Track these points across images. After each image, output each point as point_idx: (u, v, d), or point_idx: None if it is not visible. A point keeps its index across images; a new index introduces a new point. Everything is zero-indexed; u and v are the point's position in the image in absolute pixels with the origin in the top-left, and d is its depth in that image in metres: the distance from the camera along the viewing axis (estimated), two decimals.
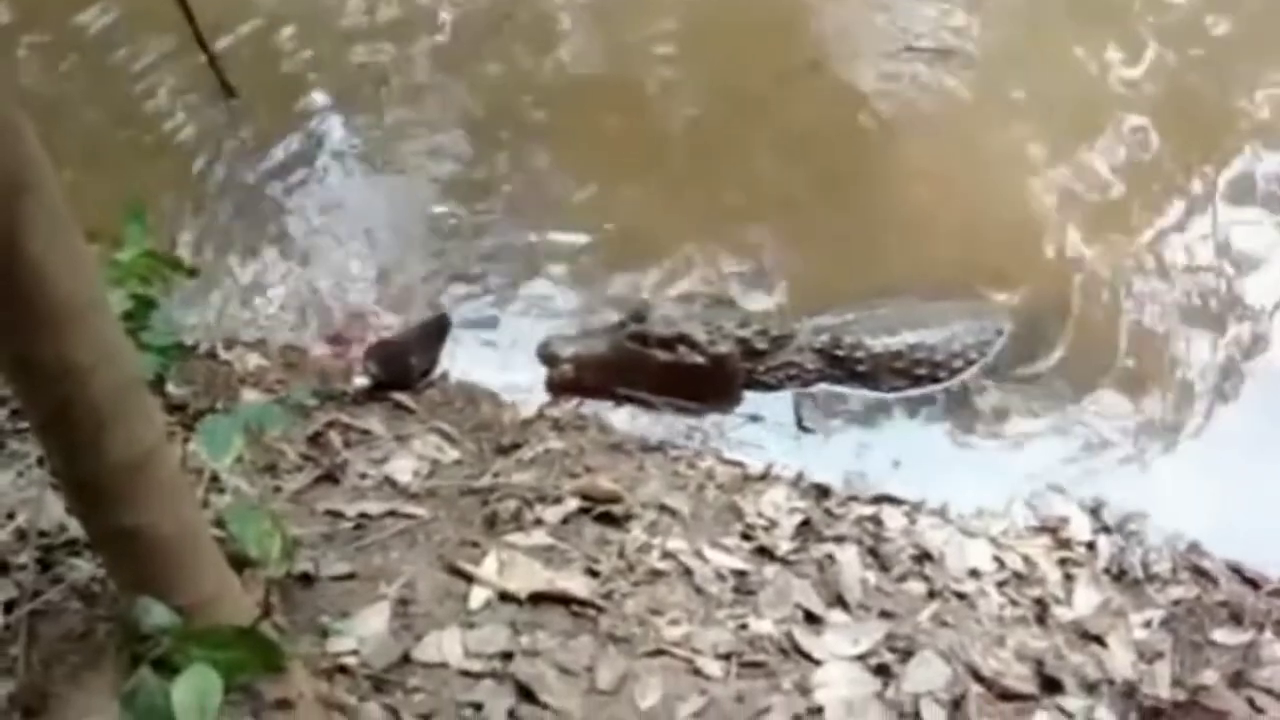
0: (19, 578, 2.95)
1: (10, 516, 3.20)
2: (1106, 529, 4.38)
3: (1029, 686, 3.48)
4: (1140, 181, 6.25)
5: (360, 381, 4.64)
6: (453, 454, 4.19)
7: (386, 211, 5.94)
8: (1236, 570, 4.20)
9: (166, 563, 2.56)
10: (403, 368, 4.78)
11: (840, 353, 5.04)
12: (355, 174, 6.13)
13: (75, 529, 3.13)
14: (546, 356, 4.92)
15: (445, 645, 3.18)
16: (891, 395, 5.05)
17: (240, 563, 2.85)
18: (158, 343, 2.89)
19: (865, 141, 6.43)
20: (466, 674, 3.12)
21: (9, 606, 2.88)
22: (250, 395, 4.34)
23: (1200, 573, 4.18)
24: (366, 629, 3.17)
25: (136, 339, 2.76)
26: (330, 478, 3.87)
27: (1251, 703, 3.54)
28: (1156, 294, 5.61)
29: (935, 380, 5.05)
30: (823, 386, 5.05)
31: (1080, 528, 4.38)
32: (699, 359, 4.88)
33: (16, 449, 3.55)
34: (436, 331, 5.06)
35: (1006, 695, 3.43)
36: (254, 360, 4.72)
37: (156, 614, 2.52)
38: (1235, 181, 6.23)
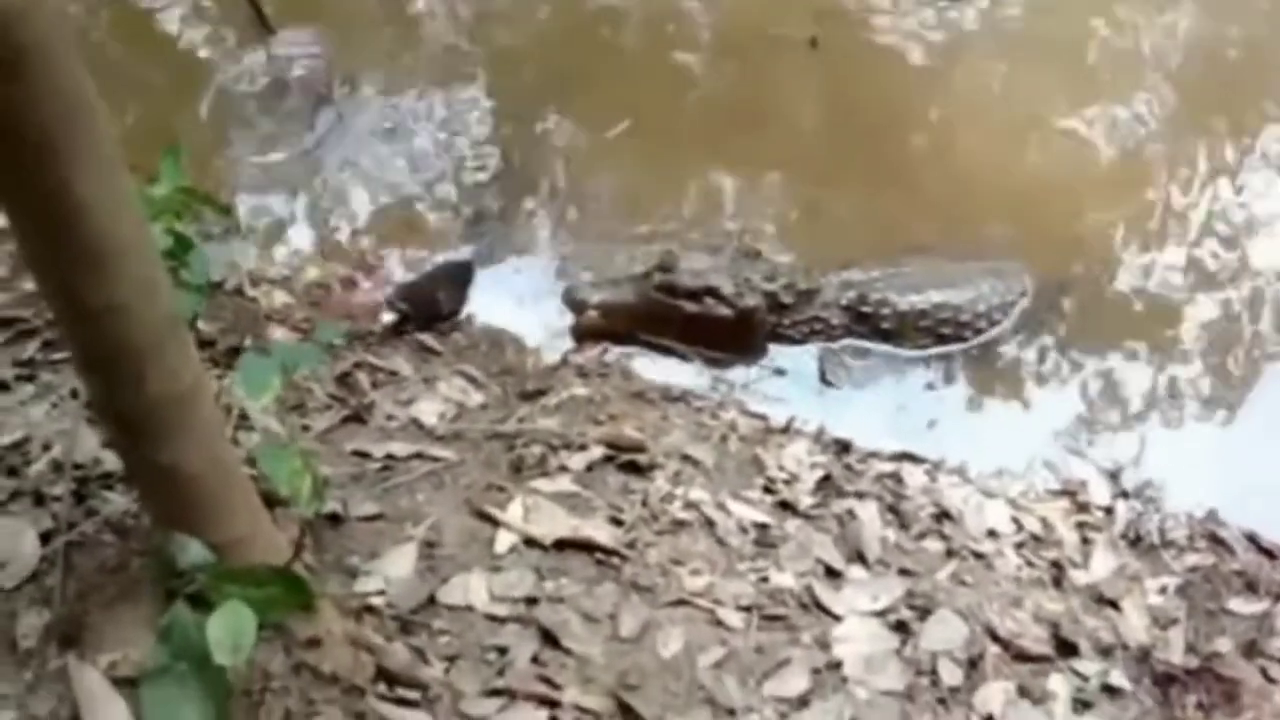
0: (55, 509, 2.98)
1: (46, 448, 3.22)
2: (1125, 494, 4.42)
3: (1045, 648, 3.51)
4: (1176, 140, 6.24)
5: (387, 318, 4.68)
6: (478, 397, 4.22)
7: (417, 154, 5.94)
8: (1253, 540, 4.23)
9: (202, 500, 2.60)
10: (430, 305, 4.81)
11: (866, 309, 5.05)
12: (388, 116, 6.12)
13: (110, 462, 3.16)
14: (573, 303, 4.95)
15: (471, 588, 3.21)
16: (916, 353, 5.06)
17: (271, 501, 2.88)
18: (195, 282, 2.92)
19: (896, 95, 6.41)
20: (491, 618, 3.15)
21: (45, 538, 2.91)
22: (277, 332, 4.36)
23: (1217, 541, 4.21)
24: (393, 570, 3.20)
25: (175, 277, 2.77)
26: (357, 418, 3.89)
27: (1264, 672, 3.58)
28: (1182, 258, 5.61)
29: (960, 339, 5.07)
30: (848, 342, 5.06)
31: (1099, 492, 4.43)
32: (725, 311, 4.90)
33: (50, 380, 3.57)
34: (462, 272, 5.09)
35: (1022, 656, 3.46)
36: (280, 297, 4.73)
37: (192, 550, 2.57)
38: (1268, 145, 6.21)
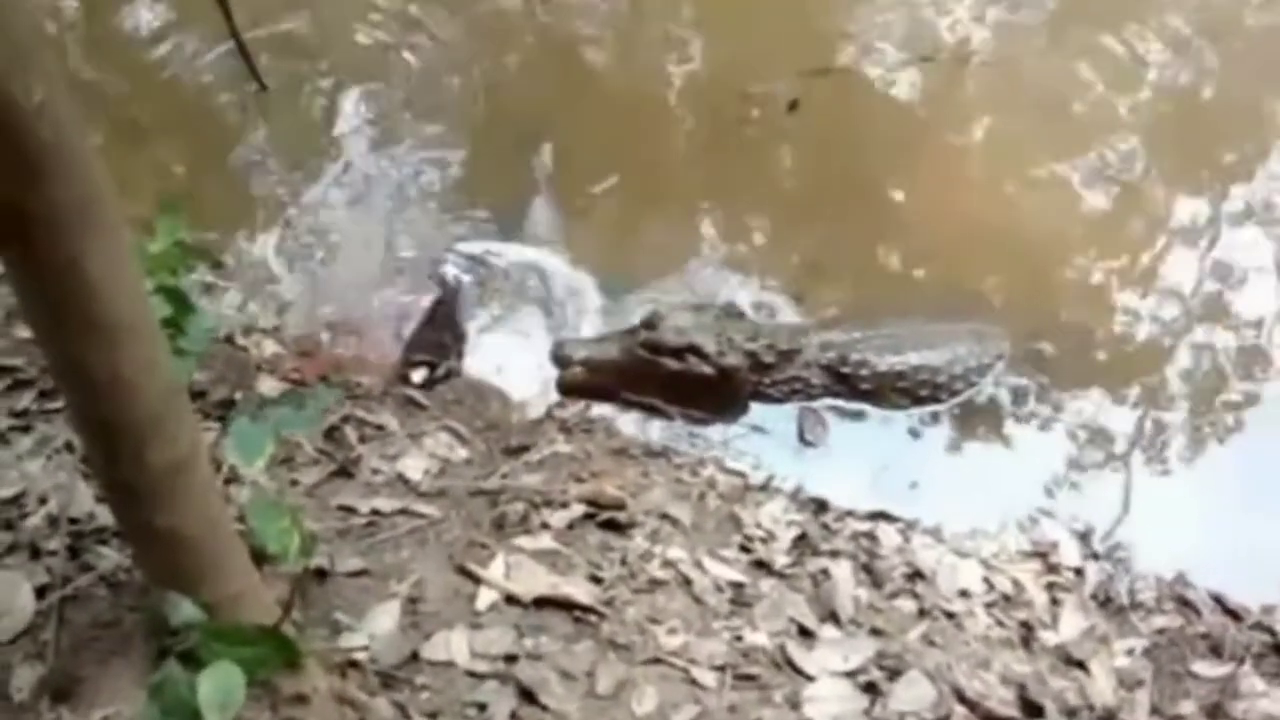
0: (50, 563, 3.09)
1: (42, 502, 3.33)
2: (1095, 555, 4.50)
3: (1011, 710, 3.59)
4: (1158, 194, 6.34)
5: (418, 378, 4.81)
6: (463, 453, 4.31)
7: (405, 207, 6.04)
8: (1219, 601, 4.30)
9: (196, 561, 2.72)
10: (443, 348, 4.95)
11: (846, 370, 5.13)
12: (379, 170, 6.21)
13: (104, 517, 3.27)
14: (559, 358, 5.04)
15: (453, 645, 3.32)
16: (893, 413, 5.16)
17: (259, 557, 2.98)
18: (194, 349, 3.02)
19: (878, 154, 6.51)
20: (472, 674, 3.25)
21: (41, 592, 3.02)
22: (267, 383, 4.45)
23: (1184, 603, 4.30)
24: (377, 626, 3.30)
25: (174, 344, 2.88)
26: (345, 472, 3.99)
27: None
28: (1163, 316, 5.71)
29: (936, 400, 5.16)
30: (827, 401, 5.16)
31: (1069, 553, 4.49)
32: (707, 369, 5.00)
33: (46, 431, 3.68)
34: (445, 309, 5.23)
35: (989, 718, 3.55)
36: (270, 347, 4.82)
37: (185, 610, 2.68)
38: (1243, 204, 6.32)
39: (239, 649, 2.65)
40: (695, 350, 4.99)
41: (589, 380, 5.05)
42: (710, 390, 5.03)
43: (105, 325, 2.32)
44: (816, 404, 5.13)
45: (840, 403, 5.18)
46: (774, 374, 5.13)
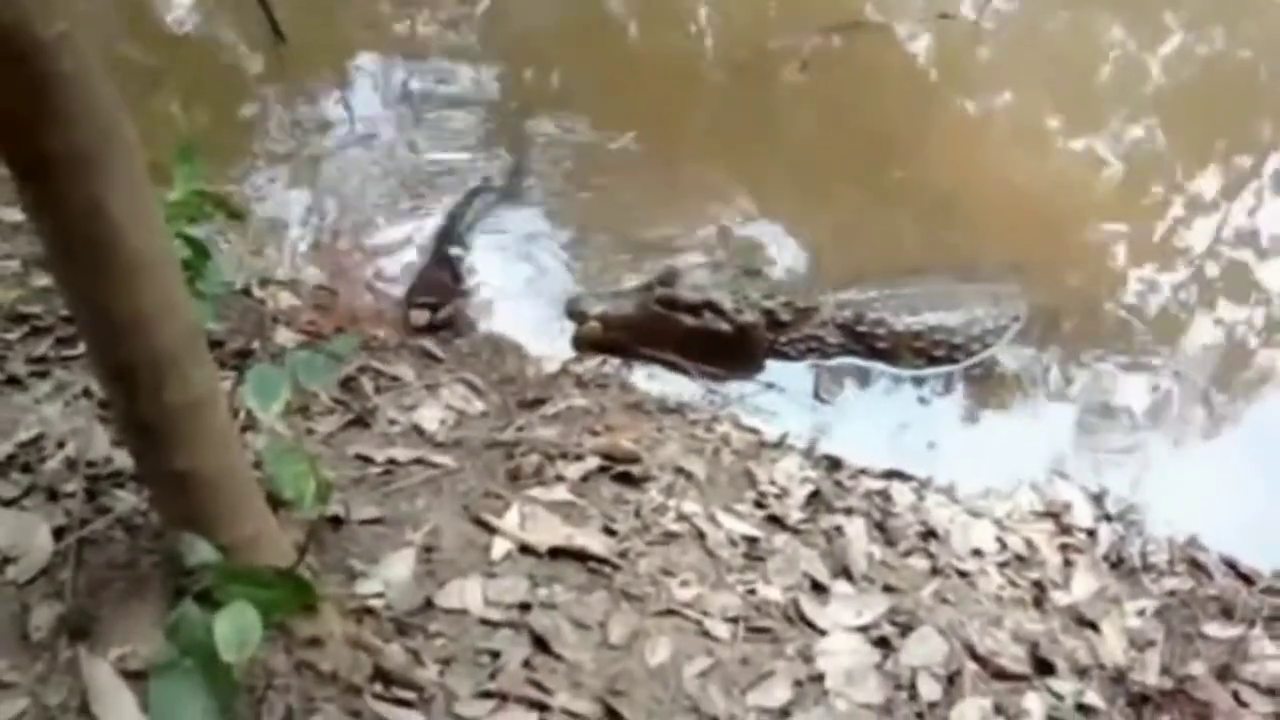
0: (68, 506, 3.10)
1: (60, 445, 3.34)
2: (1108, 517, 4.51)
3: (1022, 667, 3.60)
4: (1177, 162, 6.34)
5: (420, 319, 4.83)
6: (479, 405, 4.32)
7: (420, 159, 6.04)
8: (1231, 565, 4.32)
9: (212, 503, 2.72)
10: (445, 288, 4.98)
11: (862, 329, 5.16)
12: (394, 122, 6.22)
13: (121, 461, 3.28)
14: (575, 313, 5.06)
15: (467, 593, 3.32)
16: (909, 372, 5.17)
17: (276, 502, 2.99)
18: (212, 292, 3.02)
19: (898, 114, 6.51)
20: (485, 622, 3.25)
21: (58, 533, 3.03)
22: (283, 334, 4.46)
23: (1196, 565, 4.31)
24: (392, 573, 3.30)
25: (192, 287, 2.88)
26: (361, 422, 4.00)
27: (1236, 696, 3.67)
28: (1179, 281, 5.72)
29: (952, 361, 5.18)
30: (843, 360, 5.17)
31: (1083, 514, 4.52)
32: (724, 326, 5.01)
33: (63, 378, 3.69)
34: (442, 246, 5.28)
35: (1000, 674, 3.55)
36: (286, 299, 4.84)
37: (201, 550, 2.69)
38: (1261, 174, 6.31)
39: (255, 590, 2.65)
40: (712, 307, 5.00)
41: (605, 335, 5.06)
42: (726, 347, 5.05)
43: (126, 264, 2.32)
44: (832, 362, 5.14)
45: (856, 361, 5.20)
46: (790, 332, 5.16)
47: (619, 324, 5.06)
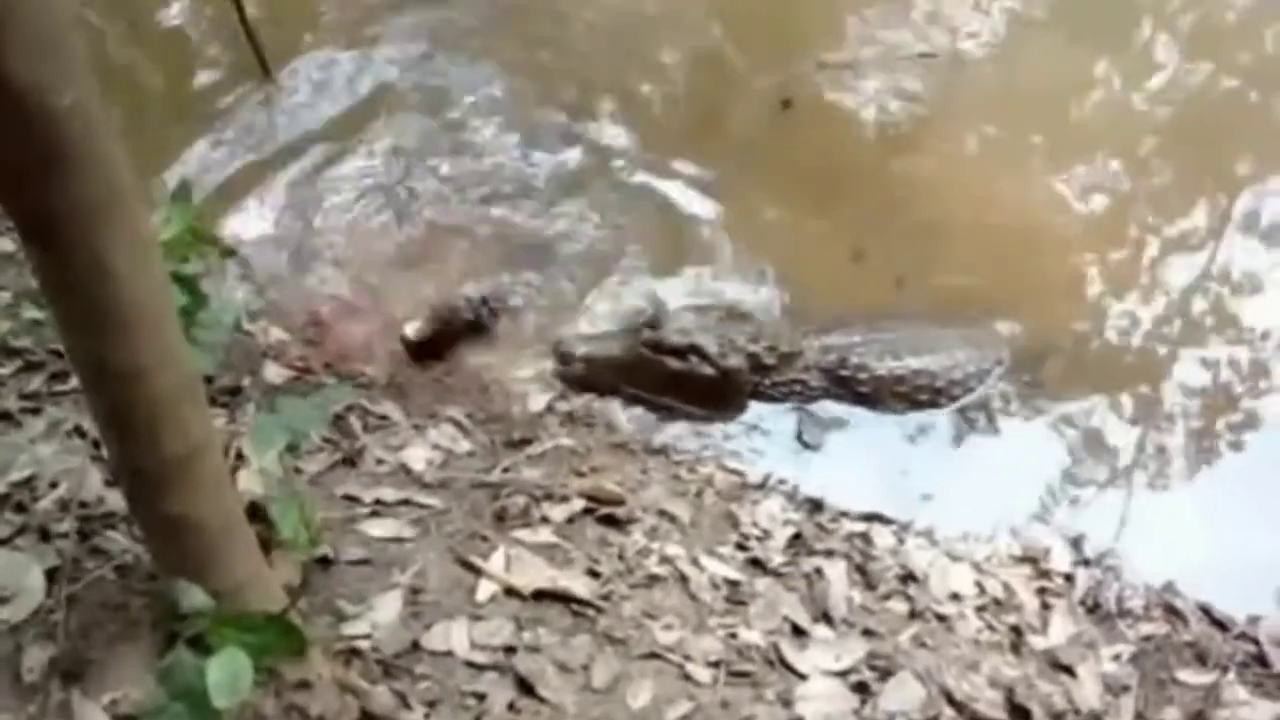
0: (60, 546, 3.15)
1: (53, 485, 3.39)
2: (1086, 561, 4.56)
3: (999, 713, 3.66)
4: (1160, 200, 6.38)
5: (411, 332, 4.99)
6: (465, 445, 4.37)
7: (411, 197, 6.10)
8: (1206, 611, 4.37)
9: (207, 549, 2.79)
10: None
11: (845, 373, 5.21)
12: (385, 158, 6.25)
13: (113, 502, 3.33)
14: (561, 354, 5.11)
15: (453, 635, 3.38)
16: (892, 416, 5.24)
17: (266, 543, 3.05)
18: (211, 339, 3.08)
19: (876, 154, 6.56)
20: (471, 665, 3.32)
21: (51, 574, 3.08)
22: (272, 369, 4.51)
23: (1172, 611, 4.36)
24: (379, 615, 3.36)
25: (189, 335, 2.93)
26: (349, 461, 4.05)
27: None
28: (1163, 322, 5.77)
29: (934, 405, 5.24)
30: (826, 404, 5.23)
31: (1061, 559, 4.56)
32: (709, 370, 5.07)
33: (55, 415, 3.73)
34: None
35: None
36: (276, 334, 4.89)
37: (194, 597, 2.75)
38: (1246, 211, 6.36)
39: (247, 635, 2.71)
40: (697, 350, 5.05)
41: (590, 376, 5.11)
42: (711, 390, 5.10)
43: (126, 318, 2.38)
44: (815, 406, 5.21)
45: (840, 405, 5.25)
46: (774, 375, 5.21)
47: (605, 365, 5.11)
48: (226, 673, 2.63)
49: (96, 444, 3.54)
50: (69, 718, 2.77)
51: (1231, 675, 4.07)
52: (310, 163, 6.15)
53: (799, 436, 5.09)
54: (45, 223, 2.24)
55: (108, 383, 2.49)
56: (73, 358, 2.55)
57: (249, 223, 5.77)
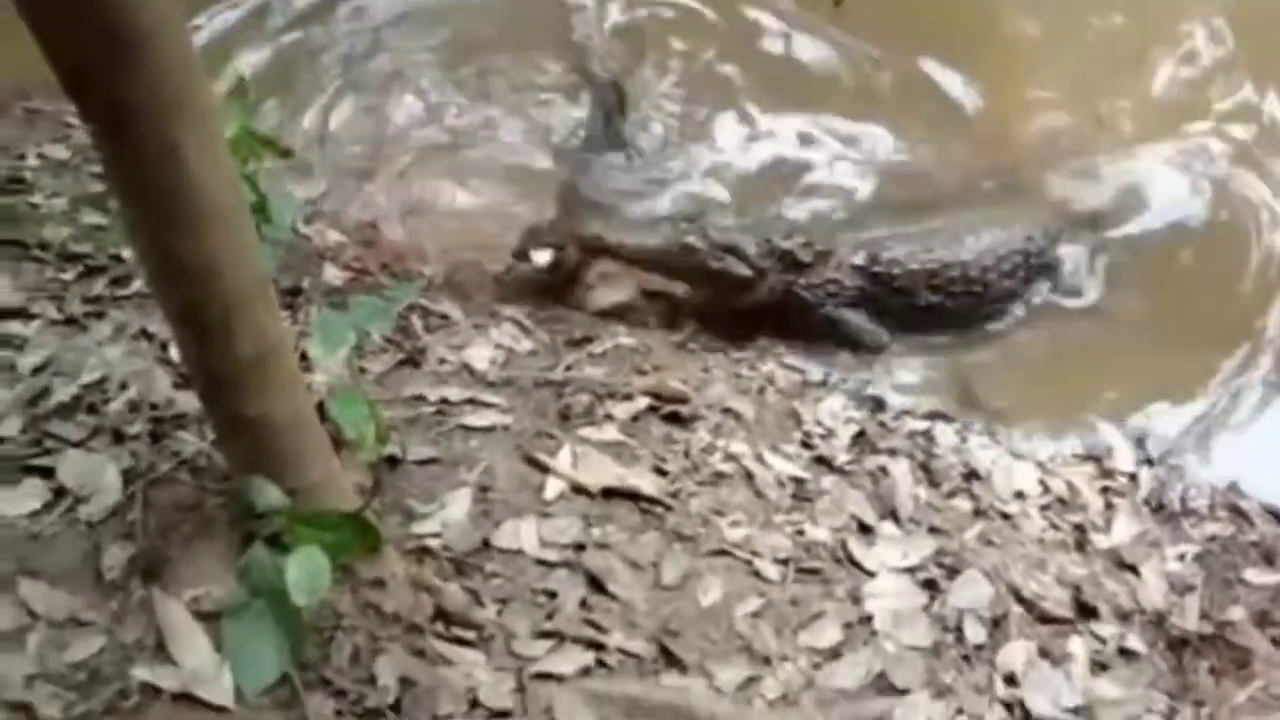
0: (133, 448, 3.17)
1: (123, 387, 3.39)
2: (1150, 461, 4.57)
3: (1066, 611, 3.69)
4: (1207, 88, 6.29)
5: (541, 259, 4.92)
6: (527, 344, 4.36)
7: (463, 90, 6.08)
8: (1272, 512, 4.38)
9: (280, 449, 2.80)
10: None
11: (879, 269, 5.15)
12: (444, 57, 6.21)
13: (183, 404, 3.34)
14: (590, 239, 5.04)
15: (522, 533, 3.40)
16: (933, 310, 5.21)
17: (337, 444, 3.07)
18: (277, 237, 3.08)
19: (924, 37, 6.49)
20: (541, 562, 3.34)
21: (126, 475, 3.10)
22: (330, 271, 4.50)
23: (1237, 511, 4.37)
24: (449, 514, 3.38)
25: (258, 232, 2.93)
26: (412, 362, 4.05)
27: (1275, 641, 3.75)
28: (1213, 214, 5.70)
29: (971, 295, 5.20)
30: (870, 302, 5.18)
31: (1124, 458, 4.57)
32: (745, 271, 5.01)
33: (120, 319, 3.73)
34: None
35: (1045, 618, 3.65)
36: (333, 236, 4.88)
37: (270, 495, 2.77)
38: None
39: (323, 534, 2.74)
40: (735, 251, 5.00)
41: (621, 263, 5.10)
42: (745, 291, 5.07)
43: (200, 213, 2.38)
44: (860, 305, 5.18)
45: (878, 302, 5.19)
46: (810, 275, 5.13)
47: (638, 254, 5.05)
48: (305, 570, 2.66)
49: (164, 346, 3.55)
50: (151, 614, 2.79)
51: None
52: (365, 63, 6.11)
53: (855, 342, 5.07)
54: (119, 116, 2.23)
55: (182, 281, 2.49)
56: (145, 258, 2.55)
57: (304, 124, 5.76)
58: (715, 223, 5.13)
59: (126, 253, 4.02)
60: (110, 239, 4.03)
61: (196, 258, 2.43)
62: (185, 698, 2.67)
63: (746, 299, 5.12)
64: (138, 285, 3.89)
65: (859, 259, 5.16)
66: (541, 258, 4.86)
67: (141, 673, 2.69)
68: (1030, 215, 5.51)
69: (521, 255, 4.90)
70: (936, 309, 5.19)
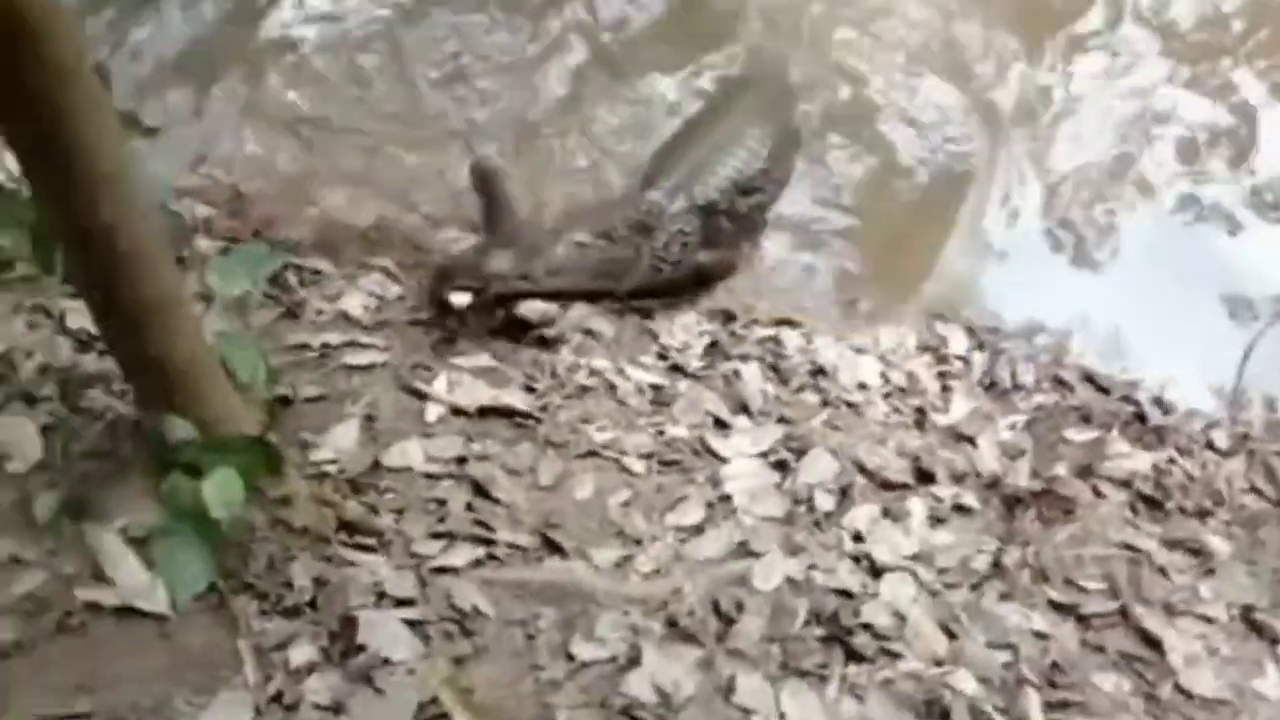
0: (47, 408, 3.57)
1: (29, 356, 3.79)
2: (981, 346, 5.05)
3: (906, 478, 4.19)
4: None
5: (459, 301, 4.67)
6: (396, 289, 4.73)
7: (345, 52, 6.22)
8: (1090, 379, 4.92)
9: (186, 385, 3.24)
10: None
11: (701, 202, 5.19)
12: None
13: (87, 365, 3.74)
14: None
15: (409, 452, 3.84)
16: (755, 211, 5.42)
17: (234, 389, 3.51)
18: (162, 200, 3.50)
19: None
20: (429, 476, 3.78)
21: (44, 431, 3.51)
22: (204, 243, 4.84)
23: (1059, 382, 4.89)
24: (340, 442, 3.80)
25: None
26: (291, 314, 4.44)
27: (1095, 490, 4.28)
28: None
29: (774, 183, 5.51)
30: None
31: (958, 345, 5.05)
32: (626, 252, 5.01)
33: (13, 300, 4.06)
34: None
35: (887, 485, 4.14)
36: (202, 210, 5.19)
37: (180, 428, 3.21)
38: None
39: (232, 456, 3.20)
40: (609, 235, 4.99)
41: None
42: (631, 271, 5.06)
43: (95, 178, 2.81)
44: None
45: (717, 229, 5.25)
46: (657, 237, 5.07)
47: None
48: (220, 490, 3.12)
49: (61, 317, 3.89)
50: (84, 548, 3.21)
51: (1114, 432, 4.60)
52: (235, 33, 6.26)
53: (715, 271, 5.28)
54: (17, 98, 2.66)
55: (87, 239, 2.91)
56: (55, 221, 2.96)
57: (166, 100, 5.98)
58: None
59: (4, 240, 4.33)
60: None
61: (98, 217, 2.86)
62: (127, 610, 3.11)
63: (634, 278, 5.04)
64: (22, 269, 4.22)
65: (681, 203, 5.13)
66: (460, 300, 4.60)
67: (84, 594, 3.11)
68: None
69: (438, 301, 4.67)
70: (757, 209, 5.41)
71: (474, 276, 4.57)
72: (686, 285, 5.10)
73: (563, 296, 4.76)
